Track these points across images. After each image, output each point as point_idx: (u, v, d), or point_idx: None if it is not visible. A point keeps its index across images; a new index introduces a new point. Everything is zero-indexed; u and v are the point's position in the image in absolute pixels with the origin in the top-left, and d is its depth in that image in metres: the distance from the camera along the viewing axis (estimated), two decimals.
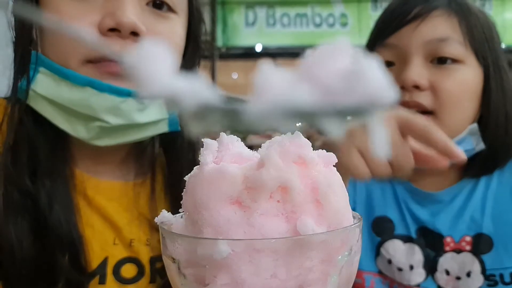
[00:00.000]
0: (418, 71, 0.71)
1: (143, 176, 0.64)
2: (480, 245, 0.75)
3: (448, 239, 0.77)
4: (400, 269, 0.77)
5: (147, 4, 0.55)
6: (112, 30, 0.51)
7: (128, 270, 0.60)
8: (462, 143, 0.73)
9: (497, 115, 0.74)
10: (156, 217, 0.33)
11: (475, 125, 0.74)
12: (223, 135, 0.33)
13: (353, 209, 0.79)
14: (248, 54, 9.26)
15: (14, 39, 0.56)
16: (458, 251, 0.76)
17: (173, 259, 0.31)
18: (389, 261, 0.78)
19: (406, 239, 0.79)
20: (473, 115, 0.74)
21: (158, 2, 0.55)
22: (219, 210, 0.29)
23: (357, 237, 0.31)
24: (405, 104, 0.71)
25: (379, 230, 0.81)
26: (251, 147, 0.34)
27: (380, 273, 0.79)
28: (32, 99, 0.53)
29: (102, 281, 0.57)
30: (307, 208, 0.29)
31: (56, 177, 0.56)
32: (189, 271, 0.30)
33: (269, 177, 0.28)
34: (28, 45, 0.54)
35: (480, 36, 0.73)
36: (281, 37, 7.21)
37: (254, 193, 0.29)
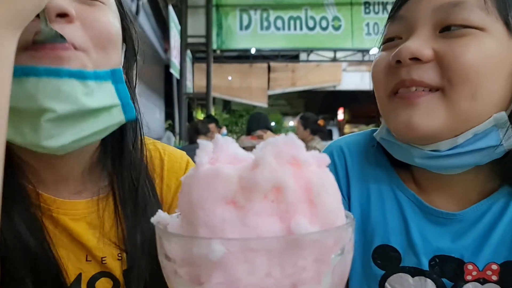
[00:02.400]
0: (419, 40, 0.57)
1: (102, 191, 0.63)
2: (510, 275, 0.60)
3: (470, 267, 0.62)
4: None
5: None
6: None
7: (103, 284, 0.60)
8: (486, 137, 0.56)
9: None
10: (152, 218, 0.34)
11: (502, 114, 0.56)
12: (218, 136, 0.34)
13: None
14: (243, 56, 9.30)
15: None
16: (482, 281, 0.62)
17: (169, 258, 0.31)
18: None
19: (416, 272, 0.64)
20: (501, 100, 0.56)
21: None
22: (215, 210, 0.29)
23: (350, 236, 0.31)
24: (401, 83, 0.58)
25: (382, 262, 0.67)
26: (243, 149, 0.35)
27: None
28: None
29: None
30: (300, 208, 0.29)
31: (21, 201, 0.53)
32: (185, 270, 0.30)
33: (264, 178, 0.29)
34: None
35: None
36: (275, 40, 7.26)
37: (249, 193, 0.29)
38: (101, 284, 0.59)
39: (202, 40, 7.12)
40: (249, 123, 4.41)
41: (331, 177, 0.32)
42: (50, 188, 0.59)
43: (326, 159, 0.32)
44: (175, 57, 6.63)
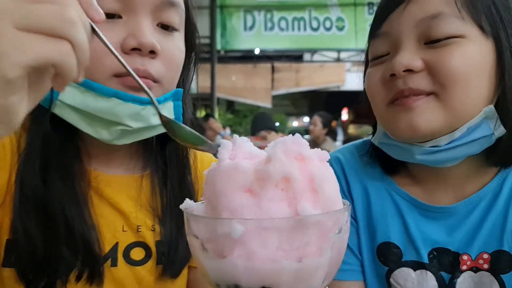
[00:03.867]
0: (409, 54, 0.62)
1: (145, 169, 0.72)
2: (500, 263, 0.65)
3: (465, 257, 0.68)
4: None
5: (157, 25, 0.64)
6: (133, 49, 0.60)
7: (137, 253, 0.67)
8: (478, 129, 0.62)
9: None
10: (181, 205, 0.40)
11: (491, 107, 0.62)
12: (236, 136, 0.40)
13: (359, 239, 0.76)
14: (247, 57, 9.35)
15: None
16: (475, 269, 0.67)
17: (197, 237, 0.38)
18: None
19: (417, 265, 0.69)
20: (488, 95, 0.62)
21: (165, 24, 0.64)
22: (235, 197, 0.36)
23: (346, 219, 0.38)
24: (400, 93, 0.63)
25: (385, 258, 0.72)
26: None
27: None
28: (57, 107, 0.60)
29: (114, 263, 0.65)
30: (305, 195, 0.36)
31: (70, 176, 0.62)
32: (210, 246, 0.37)
33: (275, 170, 0.36)
34: None
35: (485, 3, 0.62)
36: (279, 41, 7.30)
37: (263, 183, 0.36)
38: (135, 253, 0.67)
39: (207, 40, 7.18)
40: (253, 124, 4.46)
41: (330, 170, 0.39)
42: (101, 163, 0.68)
43: (326, 155, 0.39)
44: None
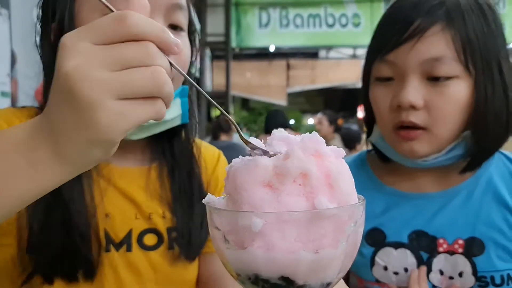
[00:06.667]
0: (414, 91, 0.75)
1: (153, 161, 0.78)
2: (473, 248, 0.78)
3: (441, 241, 0.80)
4: (396, 273, 0.82)
5: (168, 26, 0.68)
6: None
7: (150, 239, 0.73)
8: (457, 148, 0.79)
9: (485, 116, 0.76)
10: (203, 199, 0.42)
11: (468, 132, 0.78)
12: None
13: None
14: (262, 54, 9.37)
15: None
16: (451, 253, 0.79)
17: (218, 229, 0.40)
18: (385, 268, 0.82)
19: (397, 245, 0.83)
20: (465, 123, 0.77)
21: (175, 25, 0.69)
22: (255, 191, 0.38)
23: (361, 213, 0.39)
24: (401, 122, 0.77)
25: (372, 241, 0.85)
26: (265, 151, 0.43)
27: (377, 281, 0.83)
28: None
29: (129, 249, 0.70)
30: (322, 190, 0.38)
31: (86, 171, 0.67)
32: (231, 238, 0.39)
33: (293, 166, 0.37)
34: None
35: (473, 45, 0.74)
36: (294, 38, 7.28)
37: (282, 178, 0.38)
38: (148, 239, 0.73)
39: (221, 38, 7.21)
40: (267, 121, 4.46)
41: (346, 167, 0.40)
42: (114, 157, 0.73)
43: (342, 152, 0.41)
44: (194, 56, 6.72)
